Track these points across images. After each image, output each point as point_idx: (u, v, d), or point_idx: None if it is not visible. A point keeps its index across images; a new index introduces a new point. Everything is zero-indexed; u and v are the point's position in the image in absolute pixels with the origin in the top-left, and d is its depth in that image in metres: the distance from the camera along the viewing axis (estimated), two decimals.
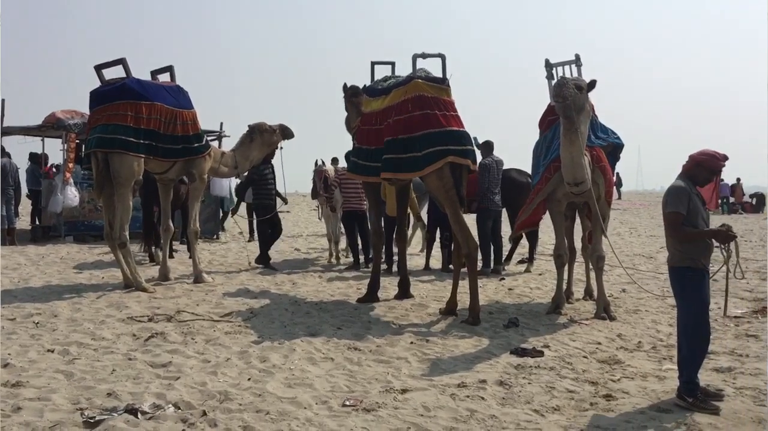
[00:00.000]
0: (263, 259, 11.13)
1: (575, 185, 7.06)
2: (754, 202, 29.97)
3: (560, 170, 7.19)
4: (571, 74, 7.94)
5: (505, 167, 11.21)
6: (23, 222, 17.34)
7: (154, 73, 9.38)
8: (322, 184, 11.54)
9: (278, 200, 11.81)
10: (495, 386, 5.11)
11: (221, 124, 16.72)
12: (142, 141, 8.62)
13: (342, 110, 9.11)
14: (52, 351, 5.77)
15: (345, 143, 9.03)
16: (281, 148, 10.75)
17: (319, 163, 11.82)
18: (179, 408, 4.47)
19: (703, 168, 4.93)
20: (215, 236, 15.62)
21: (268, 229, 11.38)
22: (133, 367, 5.38)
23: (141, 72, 9.15)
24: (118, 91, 8.62)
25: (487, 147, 10.53)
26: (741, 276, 5.14)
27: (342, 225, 11.80)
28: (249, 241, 14.54)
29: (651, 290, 9.03)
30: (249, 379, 5.14)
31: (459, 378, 5.26)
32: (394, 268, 10.34)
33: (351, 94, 8.80)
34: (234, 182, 14.26)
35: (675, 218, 4.79)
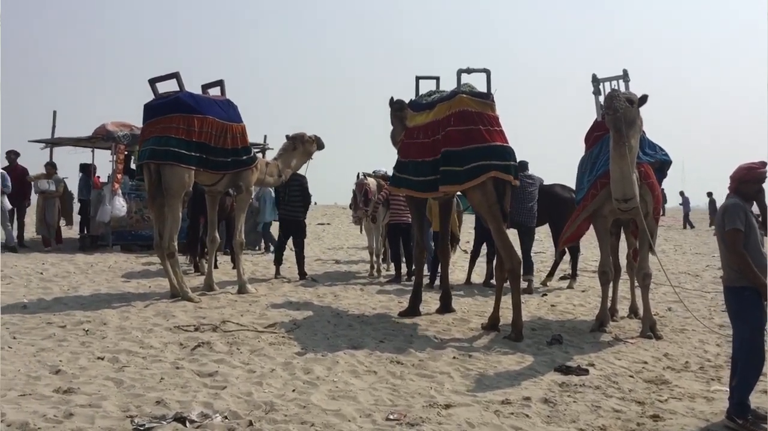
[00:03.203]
0: (301, 272, 11.37)
1: (624, 201, 6.98)
2: None
3: (607, 185, 7.13)
4: (619, 89, 7.87)
5: (547, 182, 11.18)
6: (72, 231, 17.76)
7: (205, 87, 9.61)
8: (363, 197, 11.59)
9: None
10: (539, 404, 5.07)
11: (265, 137, 16.94)
12: (193, 154, 8.80)
13: (387, 123, 9.16)
14: (102, 359, 5.90)
15: (389, 156, 9.12)
16: (312, 158, 11.16)
17: (361, 176, 11.88)
18: (226, 418, 4.53)
19: (747, 182, 4.84)
20: (257, 248, 15.81)
21: (302, 244, 11.56)
22: (180, 376, 5.47)
23: (193, 86, 9.35)
24: (171, 104, 8.83)
25: (522, 167, 10.43)
26: None
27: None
28: (263, 253, 15.00)
29: (697, 308, 8.86)
30: (294, 390, 5.18)
31: (503, 395, 5.23)
32: (436, 282, 10.33)
33: (396, 108, 8.84)
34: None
35: (735, 235, 4.67)
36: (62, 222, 15.45)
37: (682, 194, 30.61)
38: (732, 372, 4.83)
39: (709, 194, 29.78)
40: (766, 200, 4.97)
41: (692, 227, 29.75)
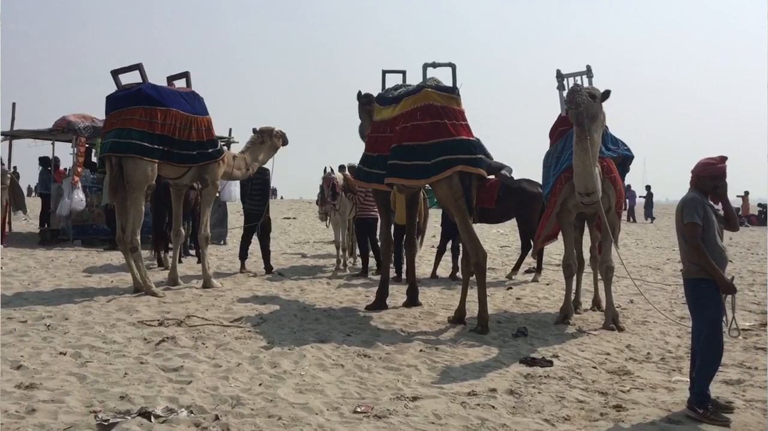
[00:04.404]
0: (267, 266, 11.35)
1: (586, 194, 7.07)
2: (758, 214, 30.03)
3: (571, 180, 7.22)
4: (582, 85, 7.97)
5: (516, 177, 11.27)
6: (31, 225, 17.44)
7: (171, 79, 9.49)
8: (330, 192, 11.57)
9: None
10: (505, 395, 5.13)
11: (230, 130, 16.77)
12: (156, 146, 8.69)
13: (354, 117, 9.18)
14: (65, 354, 5.80)
15: (354, 150, 9.14)
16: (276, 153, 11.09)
17: (328, 170, 11.86)
18: (192, 412, 4.49)
19: (704, 177, 4.91)
20: (222, 242, 15.67)
21: (266, 237, 11.52)
22: (145, 371, 5.41)
23: (158, 78, 9.22)
24: (133, 96, 8.70)
25: None
26: (736, 334, 5.04)
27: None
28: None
29: (658, 301, 9.03)
30: (260, 384, 5.16)
31: (469, 387, 5.27)
32: (403, 276, 10.36)
33: (364, 102, 8.85)
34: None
35: (693, 228, 4.76)
36: (14, 215, 14.76)
37: (628, 187, 31.32)
38: (692, 363, 4.93)
39: (648, 188, 30.62)
40: (727, 194, 5.05)
41: (635, 220, 30.42)
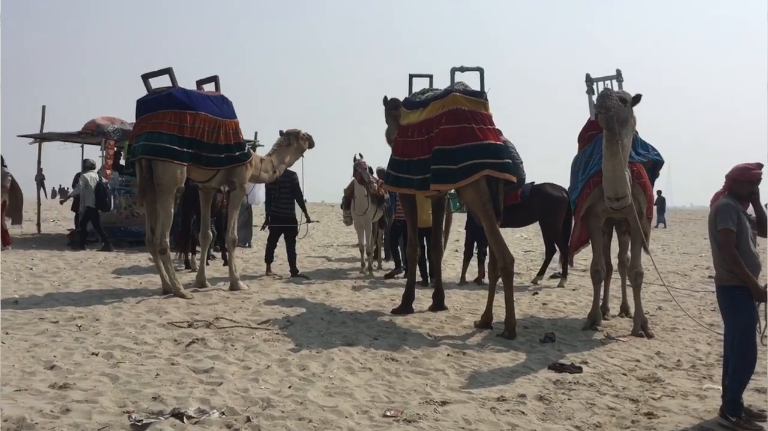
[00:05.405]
0: (293, 269, 11.37)
1: (616, 199, 7.02)
2: None
3: (600, 184, 7.17)
4: (612, 89, 7.91)
5: (538, 181, 11.22)
6: (60, 227, 17.67)
7: (200, 83, 9.58)
8: (368, 173, 11.58)
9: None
10: (535, 401, 5.10)
11: (255, 133, 16.88)
12: (185, 149, 8.76)
13: (380, 121, 9.17)
14: (97, 354, 5.88)
15: (380, 154, 9.14)
16: (304, 156, 11.17)
17: (357, 157, 11.78)
18: (224, 414, 4.53)
19: (741, 182, 4.88)
20: (247, 244, 15.78)
21: (294, 241, 11.54)
22: (176, 372, 5.46)
23: (187, 81, 9.25)
24: (163, 100, 8.78)
25: None
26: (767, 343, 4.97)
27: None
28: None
29: (687, 308, 8.93)
30: (290, 387, 5.19)
31: (498, 392, 5.25)
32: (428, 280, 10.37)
33: (391, 106, 8.85)
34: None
35: (727, 235, 4.72)
36: (8, 221, 14.35)
37: None
38: (724, 370, 4.89)
39: (659, 193, 30.30)
40: (760, 201, 5.01)
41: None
